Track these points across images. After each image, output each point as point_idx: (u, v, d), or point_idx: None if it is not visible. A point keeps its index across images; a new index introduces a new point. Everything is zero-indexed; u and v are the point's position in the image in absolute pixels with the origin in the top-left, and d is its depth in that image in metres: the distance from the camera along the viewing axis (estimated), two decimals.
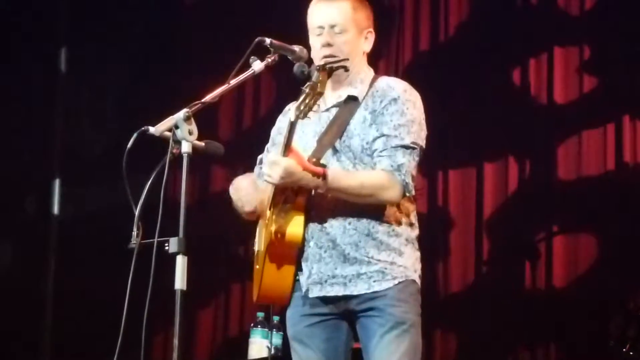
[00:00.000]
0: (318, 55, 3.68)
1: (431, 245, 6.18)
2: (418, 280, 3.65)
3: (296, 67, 3.58)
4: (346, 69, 3.59)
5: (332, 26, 3.68)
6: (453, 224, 6.40)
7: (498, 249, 6.26)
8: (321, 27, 3.69)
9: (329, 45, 3.66)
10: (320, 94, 3.37)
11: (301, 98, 3.37)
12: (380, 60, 6.56)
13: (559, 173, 6.08)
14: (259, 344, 5.59)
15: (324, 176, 3.47)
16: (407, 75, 6.56)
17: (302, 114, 3.37)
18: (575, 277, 5.95)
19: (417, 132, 3.63)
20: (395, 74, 6.62)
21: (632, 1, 5.95)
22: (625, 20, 5.98)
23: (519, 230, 6.23)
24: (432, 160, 6.22)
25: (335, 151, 3.62)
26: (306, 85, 3.39)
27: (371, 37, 3.77)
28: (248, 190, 3.74)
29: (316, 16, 3.73)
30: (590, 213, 5.95)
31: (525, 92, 6.26)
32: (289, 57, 3.66)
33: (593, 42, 6.09)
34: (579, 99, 6.08)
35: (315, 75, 3.39)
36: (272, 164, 3.45)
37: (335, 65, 3.53)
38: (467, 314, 6.23)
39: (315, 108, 3.39)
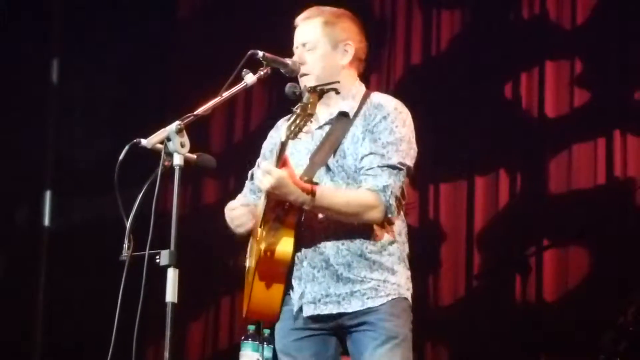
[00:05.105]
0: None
1: (422, 259, 6.19)
2: (410, 298, 3.65)
3: (287, 88, 3.56)
4: (337, 91, 3.56)
5: (304, 44, 3.70)
6: (444, 237, 6.41)
7: (489, 263, 6.26)
8: (297, 48, 3.73)
9: (301, 63, 3.68)
10: (311, 115, 3.36)
11: (292, 118, 3.36)
12: (372, 74, 6.57)
13: (549, 187, 6.09)
14: (250, 357, 5.56)
15: (312, 193, 3.45)
16: (399, 89, 6.59)
17: (293, 134, 3.36)
18: (566, 291, 5.95)
19: (406, 151, 3.60)
20: (387, 87, 6.64)
21: (623, 16, 5.97)
22: (617, 34, 6.00)
23: (510, 243, 6.23)
24: (424, 173, 6.22)
25: (329, 170, 3.61)
26: (297, 106, 3.38)
27: (351, 49, 3.71)
28: (242, 211, 3.74)
29: (294, 37, 3.76)
30: (581, 227, 5.96)
31: (516, 105, 6.27)
32: (282, 70, 3.66)
33: (584, 56, 6.11)
34: (570, 113, 6.09)
35: (305, 96, 3.36)
36: (266, 172, 3.43)
37: (325, 87, 3.51)
38: (458, 327, 6.23)
39: (305, 129, 3.38)
